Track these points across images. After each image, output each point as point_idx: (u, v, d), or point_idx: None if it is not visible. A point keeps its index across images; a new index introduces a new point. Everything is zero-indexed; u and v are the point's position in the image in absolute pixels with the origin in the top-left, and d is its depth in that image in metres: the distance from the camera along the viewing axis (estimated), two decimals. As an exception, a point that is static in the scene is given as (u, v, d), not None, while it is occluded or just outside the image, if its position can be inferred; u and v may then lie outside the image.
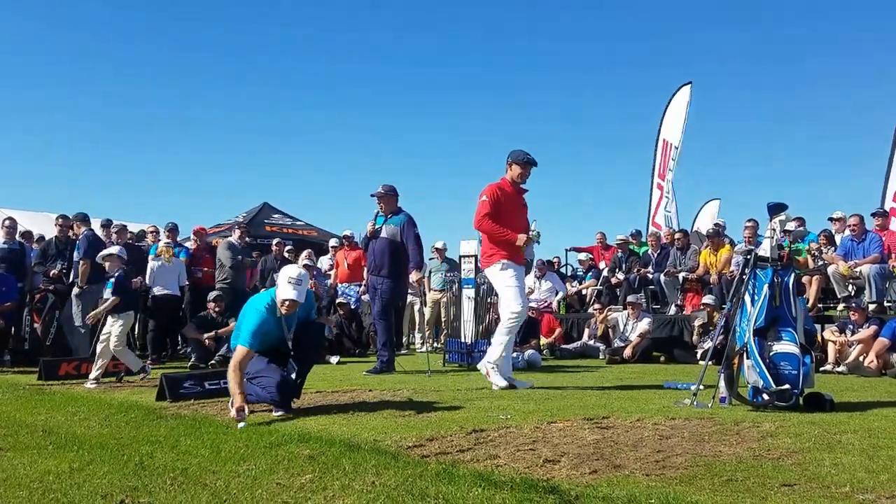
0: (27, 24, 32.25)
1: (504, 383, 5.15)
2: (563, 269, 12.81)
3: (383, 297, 6.94)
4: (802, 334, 4.33)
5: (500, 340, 5.24)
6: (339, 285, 10.32)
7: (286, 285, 4.00)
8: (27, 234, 9.33)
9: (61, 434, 3.40)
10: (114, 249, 6.22)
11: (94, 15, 34.11)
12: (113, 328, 5.81)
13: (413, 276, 7.50)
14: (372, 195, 6.99)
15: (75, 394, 5.03)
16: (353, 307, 9.80)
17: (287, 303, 4.00)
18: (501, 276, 5.25)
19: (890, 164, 10.53)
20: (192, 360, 7.72)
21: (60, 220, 8.32)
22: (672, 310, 9.73)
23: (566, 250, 13.44)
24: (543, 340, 9.24)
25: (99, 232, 9.31)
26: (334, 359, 8.32)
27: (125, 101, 35.46)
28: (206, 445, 3.06)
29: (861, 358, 7.01)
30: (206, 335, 7.82)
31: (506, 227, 5.20)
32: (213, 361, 7.64)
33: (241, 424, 3.51)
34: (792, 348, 4.15)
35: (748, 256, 4.27)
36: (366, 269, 7.39)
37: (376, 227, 6.90)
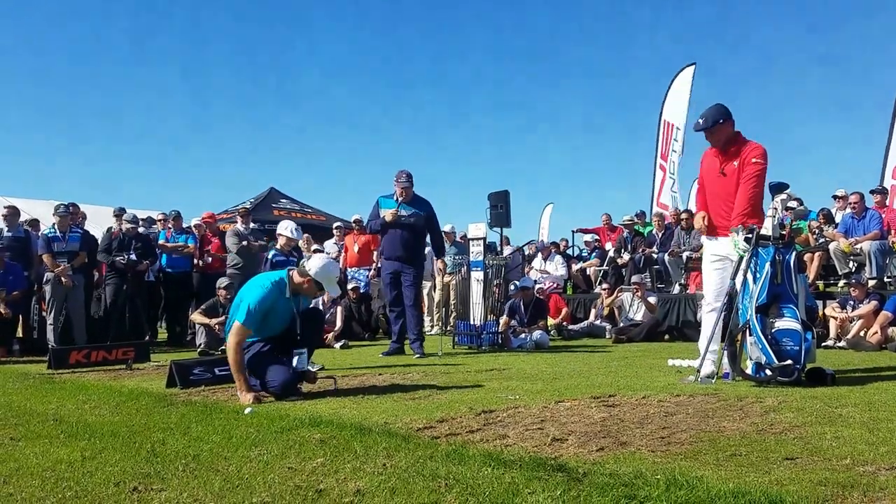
0: (32, 17, 32.05)
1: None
2: (569, 251, 12.83)
3: (417, 284, 6.97)
4: (804, 311, 4.36)
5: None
6: (349, 269, 10.34)
7: (329, 276, 4.16)
8: (34, 223, 9.32)
9: (72, 422, 3.44)
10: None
11: (103, 7, 33.85)
12: None
13: (438, 263, 7.54)
14: (399, 181, 6.89)
15: (85, 382, 5.09)
16: (362, 291, 9.84)
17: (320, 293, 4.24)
18: None
19: (889, 141, 10.49)
20: (201, 346, 7.80)
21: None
22: (676, 289, 9.75)
23: (572, 232, 13.50)
24: (551, 321, 9.29)
25: (111, 220, 9.38)
26: (338, 344, 8.38)
27: (131, 89, 35.33)
28: (218, 431, 3.10)
29: (862, 333, 7.04)
30: (214, 321, 7.88)
31: (701, 197, 4.71)
32: (222, 347, 7.70)
33: (248, 410, 3.56)
34: (794, 324, 4.19)
35: (750, 235, 4.27)
36: (379, 254, 7.33)
37: (401, 213, 6.83)
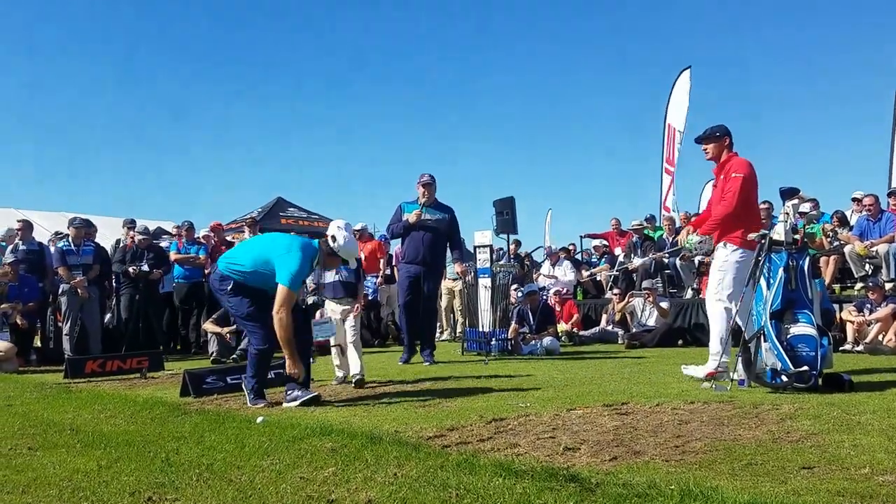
0: (42, 21, 32.59)
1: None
2: (577, 256, 12.78)
3: (435, 291, 6.98)
4: (819, 316, 4.31)
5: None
6: None
7: (351, 252, 4.34)
8: (58, 235, 9.40)
9: (89, 432, 3.48)
10: None
11: (108, 13, 34.37)
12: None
13: (458, 268, 7.54)
14: (421, 181, 6.86)
15: (101, 391, 5.14)
16: (370, 298, 9.87)
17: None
18: None
19: (892, 143, 10.36)
20: (213, 354, 7.84)
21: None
22: (689, 293, 9.67)
23: (581, 237, 13.44)
24: (562, 326, 9.25)
25: (121, 232, 9.49)
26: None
27: (139, 100, 35.77)
28: (231, 440, 3.12)
29: (880, 336, 6.94)
30: (226, 329, 7.92)
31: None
32: (234, 356, 7.74)
33: (260, 419, 3.58)
34: (809, 330, 4.14)
35: (763, 241, 4.24)
36: (401, 256, 7.26)
37: (424, 216, 6.77)
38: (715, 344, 4.69)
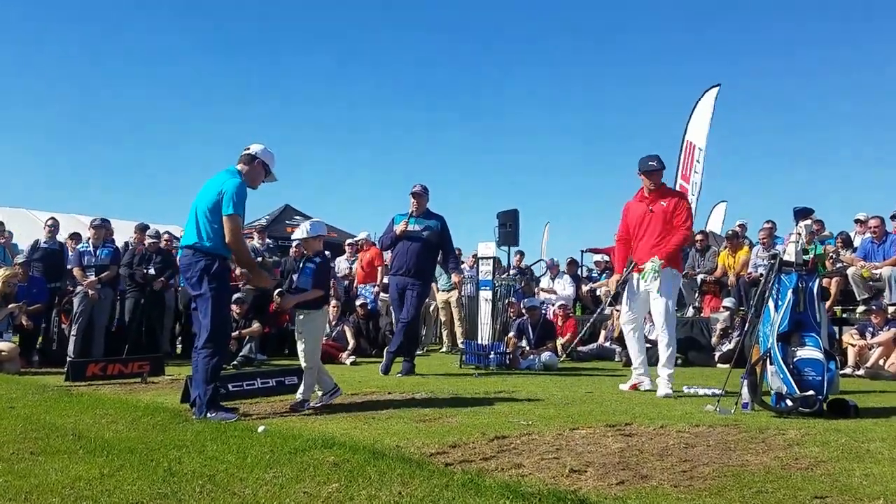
0: (52, 24, 32.78)
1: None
2: (579, 271, 12.75)
3: (421, 300, 6.93)
4: (826, 339, 4.29)
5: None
6: (358, 286, 10.40)
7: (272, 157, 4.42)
8: (75, 236, 9.38)
9: (91, 438, 3.45)
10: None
11: (113, 15, 34.58)
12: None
13: (454, 278, 7.52)
14: (413, 193, 6.88)
15: (102, 395, 5.10)
16: (370, 308, 9.84)
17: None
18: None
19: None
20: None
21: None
22: (690, 311, 9.65)
23: (582, 251, 13.40)
24: (559, 340, 9.21)
25: (132, 236, 9.49)
26: (349, 360, 8.36)
27: (148, 103, 35.90)
28: (233, 451, 3.09)
29: (881, 361, 6.91)
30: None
31: (632, 240, 5.53)
32: (234, 363, 7.71)
33: (261, 429, 3.56)
34: (816, 354, 4.11)
35: (773, 261, 4.23)
36: (390, 268, 7.30)
37: (412, 227, 6.78)
38: (671, 361, 5.23)
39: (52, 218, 9.19)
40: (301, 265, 4.66)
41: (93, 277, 7.79)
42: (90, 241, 8.10)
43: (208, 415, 3.98)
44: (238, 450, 3.11)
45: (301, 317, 4.54)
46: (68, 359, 6.98)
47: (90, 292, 7.72)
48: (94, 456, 3.04)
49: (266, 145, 4.43)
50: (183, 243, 4.30)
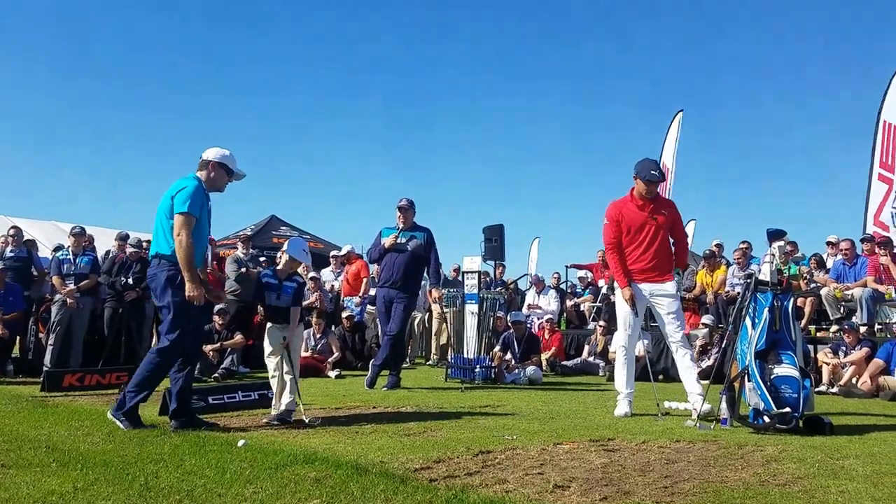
0: (38, 31, 32.42)
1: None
2: (562, 286, 12.84)
3: (407, 312, 6.94)
4: (802, 358, 4.38)
5: None
6: (344, 298, 10.36)
7: (231, 159, 4.29)
8: (31, 243, 9.28)
9: (65, 450, 3.37)
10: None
11: (109, 25, 34.34)
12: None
13: (434, 293, 7.52)
14: (399, 207, 6.93)
15: (78, 406, 5.00)
16: (356, 320, 9.80)
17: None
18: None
19: (868, 189, 10.69)
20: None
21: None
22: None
23: (566, 267, 13.52)
24: (544, 355, 9.25)
25: (113, 245, 9.36)
26: (333, 373, 8.30)
27: (131, 112, 35.57)
28: (211, 465, 3.04)
29: (854, 380, 7.05)
30: (209, 347, 7.79)
31: (627, 246, 5.11)
32: (216, 375, 7.61)
33: (241, 443, 3.51)
34: (792, 371, 4.20)
35: (749, 280, 4.32)
36: (377, 280, 7.31)
37: (400, 240, 6.83)
38: (697, 385, 4.85)
39: (14, 227, 9.00)
40: (279, 284, 4.59)
41: (72, 286, 7.67)
42: (70, 250, 7.97)
43: (120, 418, 3.97)
44: (217, 464, 3.06)
45: (283, 332, 4.48)
46: (44, 369, 6.83)
47: (69, 301, 7.59)
48: (67, 469, 2.96)
49: (220, 146, 4.31)
50: (150, 253, 4.24)
